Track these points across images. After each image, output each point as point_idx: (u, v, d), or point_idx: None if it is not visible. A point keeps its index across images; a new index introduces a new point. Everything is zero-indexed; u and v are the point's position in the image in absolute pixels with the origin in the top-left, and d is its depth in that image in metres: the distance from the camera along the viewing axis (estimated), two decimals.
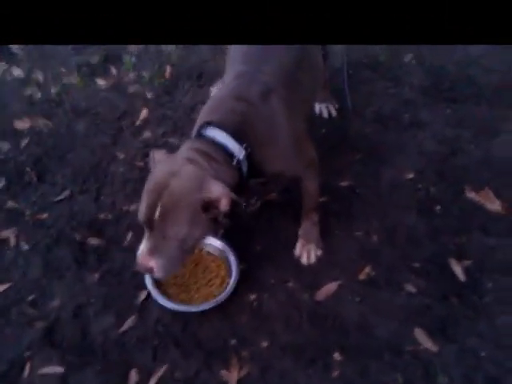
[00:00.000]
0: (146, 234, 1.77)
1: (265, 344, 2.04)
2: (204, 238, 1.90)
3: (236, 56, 2.26)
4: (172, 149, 2.85)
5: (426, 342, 1.97)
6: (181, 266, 1.90)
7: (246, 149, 1.88)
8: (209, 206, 1.73)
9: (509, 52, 3.20)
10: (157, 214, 1.69)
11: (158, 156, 1.87)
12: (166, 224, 1.70)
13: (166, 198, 1.68)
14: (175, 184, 1.70)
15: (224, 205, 1.73)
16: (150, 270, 1.78)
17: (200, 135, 1.91)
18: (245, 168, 1.92)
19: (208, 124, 1.91)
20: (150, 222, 1.72)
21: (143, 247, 1.78)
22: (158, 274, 1.79)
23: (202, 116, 2.04)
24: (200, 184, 1.71)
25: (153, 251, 1.75)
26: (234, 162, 1.86)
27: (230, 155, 1.86)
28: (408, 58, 3.39)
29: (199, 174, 1.74)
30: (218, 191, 1.71)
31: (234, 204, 1.74)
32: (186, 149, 1.88)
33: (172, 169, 1.75)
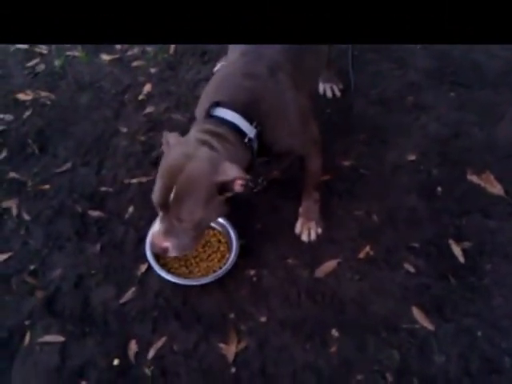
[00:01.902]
0: (160, 215, 1.77)
1: (263, 319, 2.06)
2: (218, 218, 1.92)
3: None
4: (175, 125, 2.89)
5: (423, 320, 1.99)
6: (195, 245, 1.92)
7: (256, 127, 1.88)
8: (224, 187, 1.73)
9: None
10: (172, 196, 1.68)
11: (171, 139, 1.84)
12: (181, 207, 1.70)
13: (181, 182, 1.68)
14: (191, 167, 1.69)
15: (239, 186, 1.73)
16: (165, 250, 1.80)
17: (210, 116, 1.88)
18: (255, 146, 1.91)
19: (217, 104, 1.89)
20: (164, 204, 1.71)
21: (158, 228, 1.78)
22: (173, 253, 1.81)
23: (209, 94, 2.02)
24: (215, 166, 1.70)
25: (167, 233, 1.76)
26: (246, 141, 1.86)
27: (241, 134, 1.86)
28: None
29: (214, 157, 1.73)
30: (234, 173, 1.71)
31: (246, 184, 1.77)
32: (197, 130, 1.86)
33: (186, 152, 1.74)
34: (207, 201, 1.72)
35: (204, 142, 1.77)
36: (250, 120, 1.86)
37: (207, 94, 2.03)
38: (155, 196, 1.75)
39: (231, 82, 1.96)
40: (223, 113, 1.86)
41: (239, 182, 1.71)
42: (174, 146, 1.80)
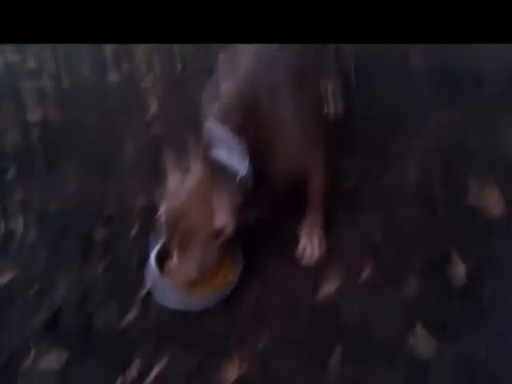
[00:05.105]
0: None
1: (265, 340, 2.05)
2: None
3: (247, 54, 2.20)
4: (182, 146, 2.90)
5: (424, 342, 1.98)
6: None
7: (248, 165, 1.92)
8: (217, 234, 1.91)
9: None
10: (177, 245, 1.95)
11: (172, 185, 2.02)
12: (185, 254, 1.96)
13: (180, 237, 1.92)
14: (184, 225, 1.89)
15: (229, 231, 1.92)
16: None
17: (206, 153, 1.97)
18: (250, 182, 1.96)
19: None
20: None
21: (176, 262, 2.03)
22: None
23: (207, 112, 2.06)
24: (204, 220, 1.88)
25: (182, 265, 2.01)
26: (237, 181, 1.92)
27: (233, 174, 1.92)
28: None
29: (203, 211, 1.88)
30: (221, 223, 1.89)
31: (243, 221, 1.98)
32: (192, 177, 1.96)
33: (180, 208, 1.91)
34: (204, 248, 1.95)
35: (195, 194, 1.91)
36: (243, 158, 1.90)
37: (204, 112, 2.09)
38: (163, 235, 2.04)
39: (230, 116, 1.96)
40: (217, 152, 1.94)
41: (228, 228, 1.90)
42: (171, 197, 1.98)
